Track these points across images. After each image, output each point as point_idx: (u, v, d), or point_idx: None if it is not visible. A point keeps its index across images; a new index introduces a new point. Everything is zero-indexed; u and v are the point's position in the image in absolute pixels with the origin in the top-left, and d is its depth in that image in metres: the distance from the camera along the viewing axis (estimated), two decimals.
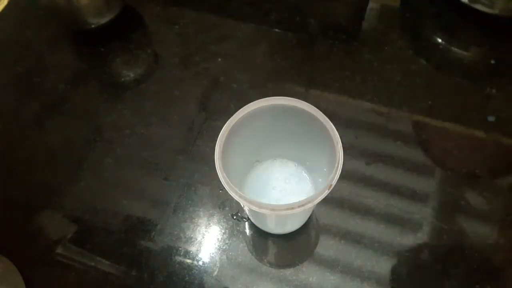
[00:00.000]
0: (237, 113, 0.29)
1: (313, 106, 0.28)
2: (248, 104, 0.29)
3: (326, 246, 0.36)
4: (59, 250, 0.37)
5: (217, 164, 0.27)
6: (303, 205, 0.25)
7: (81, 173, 0.41)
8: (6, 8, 0.54)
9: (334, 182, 0.26)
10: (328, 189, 0.26)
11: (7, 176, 0.42)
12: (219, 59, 0.47)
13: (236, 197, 0.26)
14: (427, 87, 0.44)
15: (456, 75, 0.45)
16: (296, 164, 0.36)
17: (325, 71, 0.46)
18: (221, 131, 0.28)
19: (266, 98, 0.29)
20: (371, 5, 0.50)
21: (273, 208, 0.25)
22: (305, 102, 0.28)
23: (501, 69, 0.44)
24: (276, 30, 0.49)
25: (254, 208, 0.25)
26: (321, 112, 0.28)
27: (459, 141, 0.40)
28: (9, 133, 0.45)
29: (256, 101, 0.29)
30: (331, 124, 0.28)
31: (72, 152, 0.43)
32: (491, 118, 0.41)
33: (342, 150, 0.27)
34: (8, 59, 0.50)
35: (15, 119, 0.46)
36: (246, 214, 0.38)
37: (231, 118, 0.28)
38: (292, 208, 0.25)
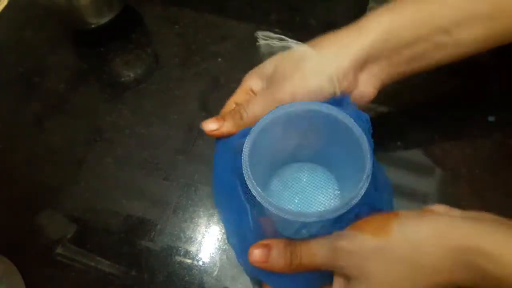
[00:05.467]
0: (263, 118, 0.28)
1: (343, 112, 0.28)
2: (273, 110, 0.28)
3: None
4: (59, 250, 0.37)
5: (250, 184, 0.26)
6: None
7: (81, 173, 0.41)
8: (6, 8, 0.54)
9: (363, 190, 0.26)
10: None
11: (7, 176, 0.42)
12: (219, 59, 0.47)
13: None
14: (426, 87, 0.44)
15: (456, 75, 0.45)
16: (321, 170, 0.36)
17: None
18: (246, 140, 0.27)
19: (291, 103, 0.28)
20: (371, 5, 0.50)
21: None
22: (335, 107, 0.28)
23: (501, 69, 0.44)
24: (276, 30, 0.49)
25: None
26: (350, 118, 0.28)
27: (459, 141, 0.40)
28: (9, 133, 0.45)
29: (282, 106, 0.28)
30: (361, 131, 0.27)
31: (72, 152, 0.43)
32: (491, 118, 0.41)
33: (371, 159, 0.27)
34: (8, 59, 0.50)
35: (15, 119, 0.46)
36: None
37: (256, 124, 0.28)
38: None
